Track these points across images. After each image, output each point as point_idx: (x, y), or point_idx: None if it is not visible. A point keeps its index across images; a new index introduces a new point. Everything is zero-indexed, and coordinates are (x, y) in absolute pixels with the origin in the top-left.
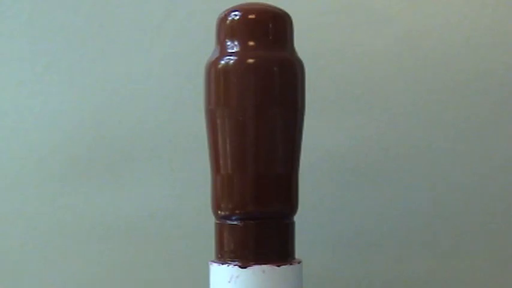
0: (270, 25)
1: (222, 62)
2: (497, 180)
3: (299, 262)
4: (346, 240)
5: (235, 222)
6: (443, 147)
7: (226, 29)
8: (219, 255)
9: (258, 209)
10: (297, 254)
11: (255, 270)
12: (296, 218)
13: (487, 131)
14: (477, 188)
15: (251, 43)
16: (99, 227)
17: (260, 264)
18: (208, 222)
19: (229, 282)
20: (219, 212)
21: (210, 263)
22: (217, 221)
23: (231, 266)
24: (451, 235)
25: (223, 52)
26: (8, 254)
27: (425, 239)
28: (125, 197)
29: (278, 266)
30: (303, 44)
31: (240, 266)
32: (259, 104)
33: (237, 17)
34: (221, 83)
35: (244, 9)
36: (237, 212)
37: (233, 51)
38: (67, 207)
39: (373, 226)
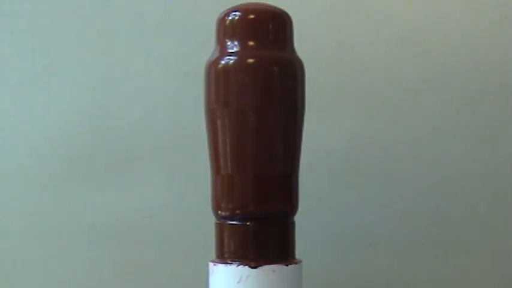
0: (270, 25)
1: (222, 62)
2: (497, 180)
3: (301, 261)
4: (346, 240)
5: (235, 222)
6: (443, 147)
7: (226, 29)
8: (220, 256)
9: (258, 209)
10: (297, 254)
11: (265, 270)
12: (296, 218)
13: (487, 131)
14: (477, 188)
15: (251, 43)
16: (99, 227)
17: (260, 264)
18: (208, 222)
19: (238, 282)
20: (220, 212)
21: (213, 263)
22: (218, 221)
23: (240, 266)
24: (451, 235)
25: (223, 52)
26: (8, 254)
27: (425, 239)
28: (125, 197)
29: (287, 265)
30: (303, 44)
31: (250, 266)
32: (259, 104)
33: (237, 17)
34: (221, 83)
35: (244, 9)
36: (238, 212)
37: (233, 51)
38: (67, 207)
39: (373, 226)
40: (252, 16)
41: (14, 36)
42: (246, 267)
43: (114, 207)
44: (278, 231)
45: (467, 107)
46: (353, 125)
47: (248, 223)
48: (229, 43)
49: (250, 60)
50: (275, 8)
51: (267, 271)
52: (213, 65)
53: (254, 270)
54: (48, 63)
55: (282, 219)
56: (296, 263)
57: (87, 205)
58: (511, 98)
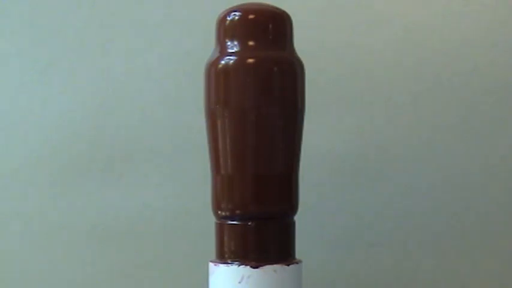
0: (270, 25)
1: (222, 62)
2: (497, 180)
3: (301, 261)
4: (346, 240)
5: (235, 222)
6: (443, 147)
7: (226, 29)
8: (220, 256)
9: (258, 209)
10: (297, 254)
11: (266, 269)
12: (296, 218)
13: (487, 131)
14: (477, 188)
15: (251, 43)
16: (99, 227)
17: (261, 264)
18: (208, 222)
19: (239, 282)
20: (220, 212)
21: (213, 263)
22: (218, 221)
23: (242, 266)
24: (451, 235)
25: (223, 52)
26: (8, 254)
27: (425, 238)
28: (125, 197)
29: (288, 265)
30: (303, 44)
31: (251, 266)
32: (259, 104)
33: (237, 17)
34: (221, 83)
35: (244, 9)
36: (238, 212)
37: (233, 51)
38: (67, 207)
39: (373, 226)
40: (252, 16)
41: (14, 36)
42: (248, 267)
43: (114, 207)
44: (278, 231)
45: (467, 107)
46: (353, 125)
47: (248, 223)
48: (229, 43)
49: (250, 60)
50: (275, 8)
51: (269, 271)
52: (213, 65)
53: (255, 270)
54: (48, 63)
55: (282, 219)
56: (297, 263)
57: (87, 205)
58: (511, 98)
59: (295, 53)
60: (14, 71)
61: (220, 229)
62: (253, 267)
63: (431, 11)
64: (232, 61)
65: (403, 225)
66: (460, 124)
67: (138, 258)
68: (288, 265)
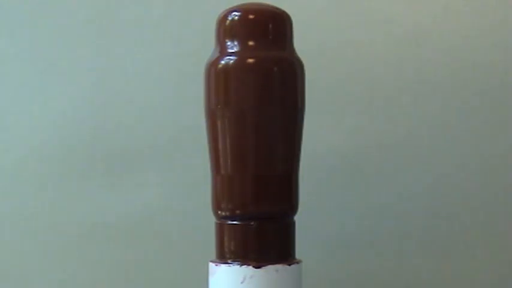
0: (270, 25)
1: (222, 62)
2: (497, 180)
3: (301, 261)
4: (346, 240)
5: (235, 222)
6: (443, 147)
7: (226, 29)
8: (220, 256)
9: (258, 209)
10: (297, 254)
11: (268, 269)
12: (296, 218)
13: (487, 131)
14: (477, 188)
15: (251, 43)
16: (99, 227)
17: (262, 264)
18: (208, 222)
19: (242, 282)
20: (220, 212)
21: (214, 264)
22: (218, 221)
23: (244, 266)
24: (451, 235)
25: (223, 52)
26: (8, 254)
27: (425, 239)
28: (125, 197)
29: (289, 265)
30: (302, 44)
31: (253, 266)
32: (259, 104)
33: (237, 17)
34: (221, 83)
35: (244, 9)
36: (238, 212)
37: (233, 51)
38: (67, 207)
39: (372, 226)
40: (252, 16)
41: (14, 36)
42: (250, 267)
43: (114, 207)
44: (278, 231)
45: (467, 107)
46: (353, 125)
47: (248, 223)
48: (229, 43)
49: (250, 60)
50: (275, 8)
51: (270, 271)
52: (213, 65)
53: (258, 270)
54: (48, 63)
55: (282, 219)
56: (297, 263)
57: (87, 205)
58: (511, 98)
59: (295, 53)
60: (14, 71)
61: (221, 229)
62: (255, 267)
63: (431, 11)
64: (232, 61)
65: (403, 225)
66: (460, 124)
67: (138, 258)
68: (289, 265)
